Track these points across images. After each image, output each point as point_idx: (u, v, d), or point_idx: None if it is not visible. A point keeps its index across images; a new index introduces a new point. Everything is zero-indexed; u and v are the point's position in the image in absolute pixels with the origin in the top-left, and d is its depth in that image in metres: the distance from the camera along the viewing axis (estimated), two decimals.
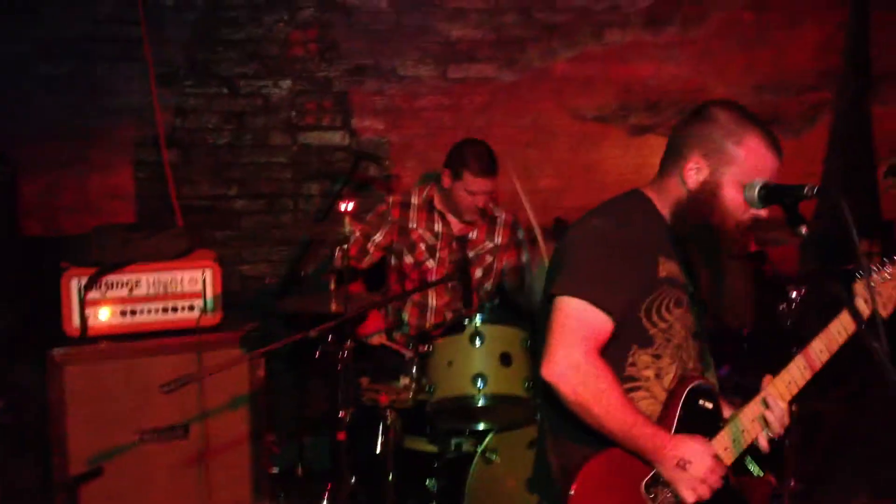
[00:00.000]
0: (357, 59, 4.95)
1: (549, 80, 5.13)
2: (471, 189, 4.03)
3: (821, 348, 2.46)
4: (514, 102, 5.09)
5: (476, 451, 3.55)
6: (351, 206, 3.69)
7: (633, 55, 5.18)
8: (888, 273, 2.48)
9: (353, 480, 3.76)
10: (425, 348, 3.58)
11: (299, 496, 4.26)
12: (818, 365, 2.46)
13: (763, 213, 2.35)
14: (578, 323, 2.29)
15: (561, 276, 2.37)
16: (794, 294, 3.61)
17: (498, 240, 4.26)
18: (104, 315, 3.59)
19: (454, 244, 4.18)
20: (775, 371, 3.62)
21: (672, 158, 2.45)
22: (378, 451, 3.65)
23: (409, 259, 4.17)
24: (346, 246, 3.56)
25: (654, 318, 2.39)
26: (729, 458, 2.38)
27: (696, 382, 2.41)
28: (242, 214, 4.92)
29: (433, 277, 4.14)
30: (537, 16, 5.07)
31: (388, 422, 3.56)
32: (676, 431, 2.36)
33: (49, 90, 4.52)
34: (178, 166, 4.77)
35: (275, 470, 4.40)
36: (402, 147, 5.02)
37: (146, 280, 3.66)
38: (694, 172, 2.38)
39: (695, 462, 2.28)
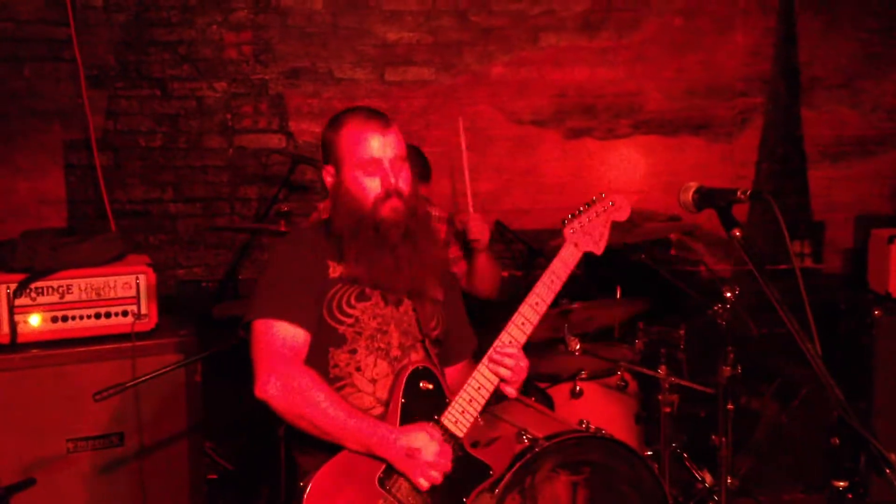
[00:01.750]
0: (293, 61, 4.93)
1: (486, 84, 5.16)
2: None
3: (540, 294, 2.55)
4: (451, 106, 5.10)
5: None
6: (287, 209, 3.67)
7: (568, 59, 5.23)
8: (591, 213, 2.60)
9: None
10: None
11: (238, 502, 4.21)
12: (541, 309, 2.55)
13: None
14: (269, 340, 2.44)
15: (251, 304, 2.53)
16: (728, 294, 3.66)
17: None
18: (34, 321, 3.51)
19: None
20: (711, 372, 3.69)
21: None
22: None
23: None
24: None
25: (338, 315, 2.51)
26: (461, 430, 2.45)
27: (410, 369, 2.49)
28: (177, 218, 4.86)
29: None
30: (473, 19, 5.10)
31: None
32: (403, 420, 2.44)
33: None
34: (110, 169, 4.70)
35: (213, 476, 4.35)
36: None
37: (78, 285, 3.58)
38: (329, 178, 2.65)
39: (422, 448, 2.35)
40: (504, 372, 2.49)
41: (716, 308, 3.65)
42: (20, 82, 4.54)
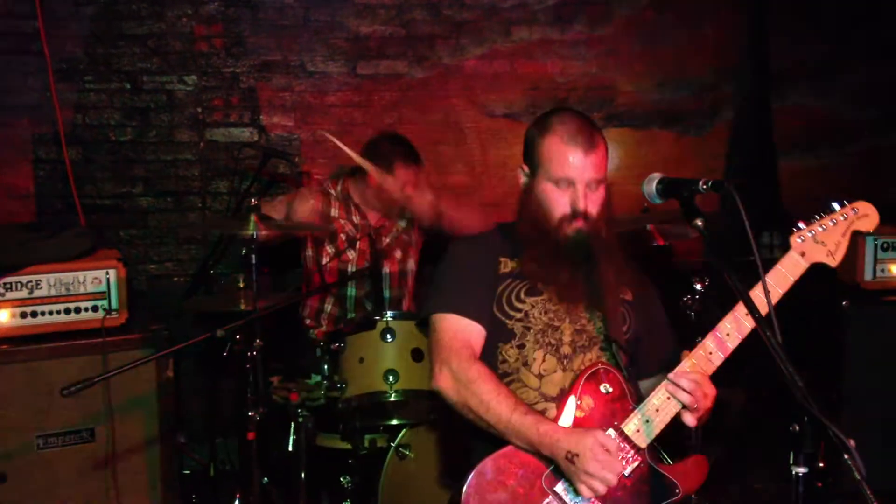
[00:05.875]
0: (264, 54, 4.91)
1: (459, 77, 5.16)
2: (407, 181, 3.92)
3: (728, 329, 2.38)
4: (424, 99, 5.10)
5: (390, 447, 3.55)
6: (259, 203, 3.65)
7: (540, 52, 5.24)
8: (827, 222, 2.43)
9: (265, 480, 3.72)
10: (336, 346, 3.56)
11: (211, 497, 4.20)
12: (731, 340, 2.38)
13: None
14: (445, 334, 2.50)
15: (427, 299, 2.61)
16: (698, 286, 3.69)
17: (408, 214, 4.20)
18: (3, 317, 3.49)
19: (373, 235, 4.17)
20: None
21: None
22: (290, 449, 3.62)
23: (329, 248, 4.13)
24: (252, 246, 3.51)
25: (507, 310, 2.52)
26: (644, 440, 2.32)
27: (592, 368, 2.41)
28: (148, 213, 4.83)
29: (352, 268, 4.12)
30: (445, 12, 5.09)
31: (300, 420, 3.53)
32: (575, 421, 2.34)
33: None
34: (79, 164, 4.66)
35: (185, 471, 4.34)
36: (312, 144, 4.99)
37: (47, 281, 3.56)
38: (521, 177, 2.64)
39: (582, 455, 2.21)
40: (682, 396, 2.30)
41: (686, 299, 3.68)
42: None
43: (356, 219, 4.15)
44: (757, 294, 2.17)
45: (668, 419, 2.32)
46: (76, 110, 4.67)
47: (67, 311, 3.58)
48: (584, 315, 2.54)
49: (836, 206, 2.45)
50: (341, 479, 3.61)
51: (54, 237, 3.66)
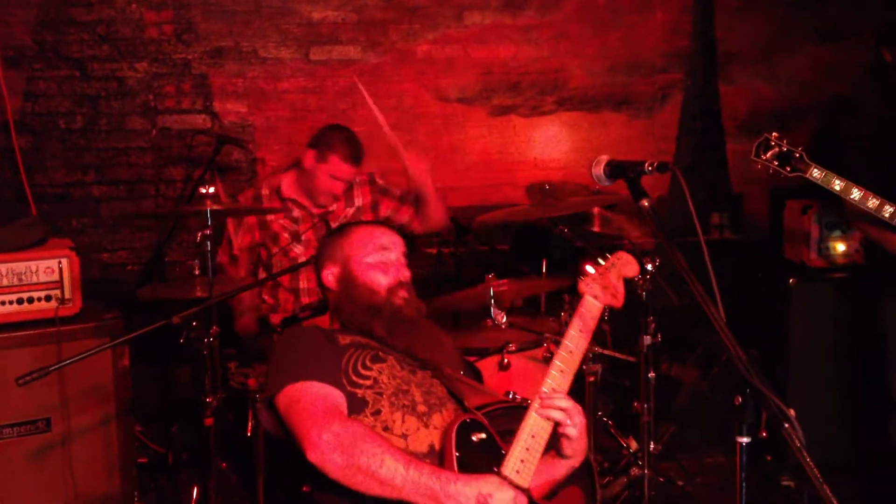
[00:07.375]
0: (216, 40, 4.88)
1: (412, 62, 5.18)
2: (335, 174, 4.01)
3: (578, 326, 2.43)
4: (378, 84, 5.10)
5: None
6: (213, 190, 3.64)
7: (492, 37, 5.27)
8: (603, 270, 2.57)
9: (223, 466, 3.74)
10: None
11: (169, 485, 4.21)
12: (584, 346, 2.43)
13: (393, 257, 2.71)
14: (314, 398, 2.31)
15: (273, 380, 2.44)
16: (649, 266, 3.75)
17: (359, 201, 4.26)
18: None
19: (318, 222, 4.17)
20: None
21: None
22: (248, 435, 3.63)
23: (275, 249, 4.13)
24: (208, 231, 3.51)
25: (355, 379, 2.42)
26: (525, 480, 2.21)
27: (459, 421, 2.35)
28: (101, 201, 4.80)
29: (303, 260, 4.12)
30: None
31: (258, 406, 3.54)
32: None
33: None
34: (29, 152, 4.61)
35: (143, 459, 4.33)
36: (266, 130, 4.99)
37: None
38: (328, 278, 2.75)
39: (494, 494, 2.12)
40: (557, 415, 2.28)
41: (637, 279, 3.74)
42: None
43: (295, 212, 4.14)
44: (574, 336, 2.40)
45: (539, 452, 2.27)
46: (25, 98, 4.62)
47: (20, 301, 3.55)
48: (427, 380, 2.55)
49: (601, 260, 2.62)
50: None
51: (5, 227, 3.62)
